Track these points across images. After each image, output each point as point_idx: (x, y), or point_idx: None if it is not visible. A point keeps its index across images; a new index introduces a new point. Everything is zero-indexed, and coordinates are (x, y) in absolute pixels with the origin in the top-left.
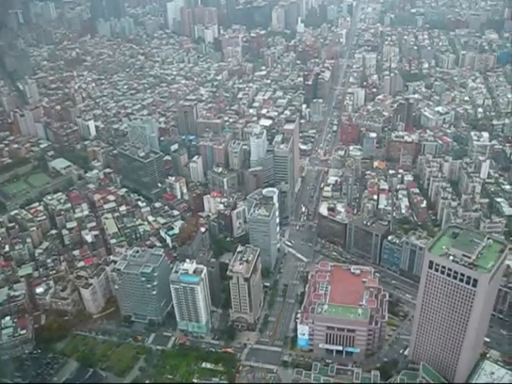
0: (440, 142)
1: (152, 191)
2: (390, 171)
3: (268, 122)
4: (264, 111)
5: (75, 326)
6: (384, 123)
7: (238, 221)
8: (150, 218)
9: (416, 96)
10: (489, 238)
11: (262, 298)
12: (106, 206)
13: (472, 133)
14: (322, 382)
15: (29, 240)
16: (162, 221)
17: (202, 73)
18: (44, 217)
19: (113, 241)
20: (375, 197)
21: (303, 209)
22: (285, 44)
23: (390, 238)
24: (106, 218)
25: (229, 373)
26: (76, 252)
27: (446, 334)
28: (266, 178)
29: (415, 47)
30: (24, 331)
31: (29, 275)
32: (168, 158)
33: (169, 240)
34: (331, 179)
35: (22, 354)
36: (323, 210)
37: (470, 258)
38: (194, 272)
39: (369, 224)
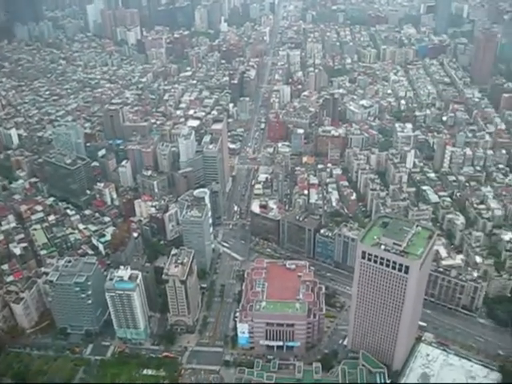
0: (366, 134)
1: (81, 198)
2: (319, 166)
3: (196, 123)
4: (191, 112)
5: (8, 342)
6: (311, 119)
7: (171, 223)
8: (81, 226)
9: (341, 91)
10: (417, 226)
11: (199, 299)
12: (33, 217)
13: (396, 124)
14: (264, 378)
15: None
16: (93, 228)
17: (126, 76)
18: None
19: (43, 252)
20: (306, 192)
21: (235, 208)
22: (209, 44)
23: (322, 231)
24: (35, 229)
25: (171, 377)
26: (5, 266)
27: (383, 321)
28: (196, 179)
29: (338, 43)
30: None
31: None
32: (96, 163)
33: (101, 247)
34: (261, 177)
35: None
36: (255, 207)
37: (400, 245)
38: (129, 278)
39: (301, 219)
